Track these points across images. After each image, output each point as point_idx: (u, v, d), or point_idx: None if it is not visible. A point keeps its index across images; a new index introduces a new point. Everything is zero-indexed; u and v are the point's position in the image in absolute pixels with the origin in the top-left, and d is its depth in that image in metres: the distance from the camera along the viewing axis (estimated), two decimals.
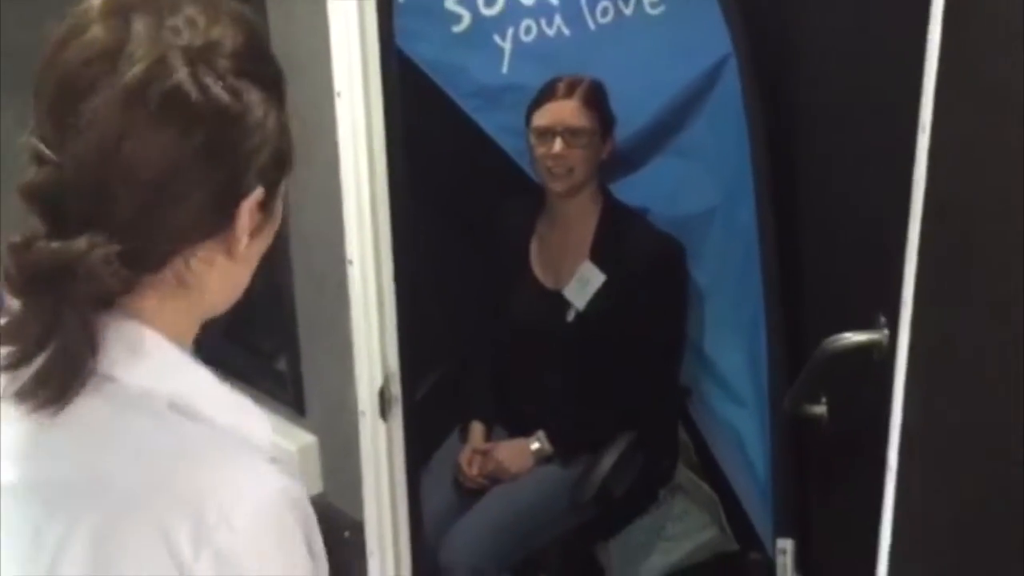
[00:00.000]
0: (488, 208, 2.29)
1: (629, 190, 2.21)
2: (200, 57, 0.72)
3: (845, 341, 1.30)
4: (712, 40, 2.02)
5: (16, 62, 1.70)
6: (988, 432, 1.02)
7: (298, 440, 1.90)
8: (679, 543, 2.29)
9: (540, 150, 2.06)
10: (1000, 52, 0.97)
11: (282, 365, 1.96)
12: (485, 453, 2.14)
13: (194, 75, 0.71)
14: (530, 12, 2.19)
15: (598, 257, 2.10)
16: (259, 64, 0.76)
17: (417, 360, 1.72)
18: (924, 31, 1.08)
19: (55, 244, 0.68)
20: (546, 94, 2.06)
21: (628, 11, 2.15)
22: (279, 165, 0.78)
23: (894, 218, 1.17)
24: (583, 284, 2.10)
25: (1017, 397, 0.95)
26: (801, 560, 1.85)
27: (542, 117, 2.06)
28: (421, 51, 2.16)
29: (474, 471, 2.12)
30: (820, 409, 1.49)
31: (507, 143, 2.27)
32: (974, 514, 1.05)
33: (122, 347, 0.73)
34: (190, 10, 0.74)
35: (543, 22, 2.20)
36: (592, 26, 2.17)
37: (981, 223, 1.02)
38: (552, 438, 2.12)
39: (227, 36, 0.74)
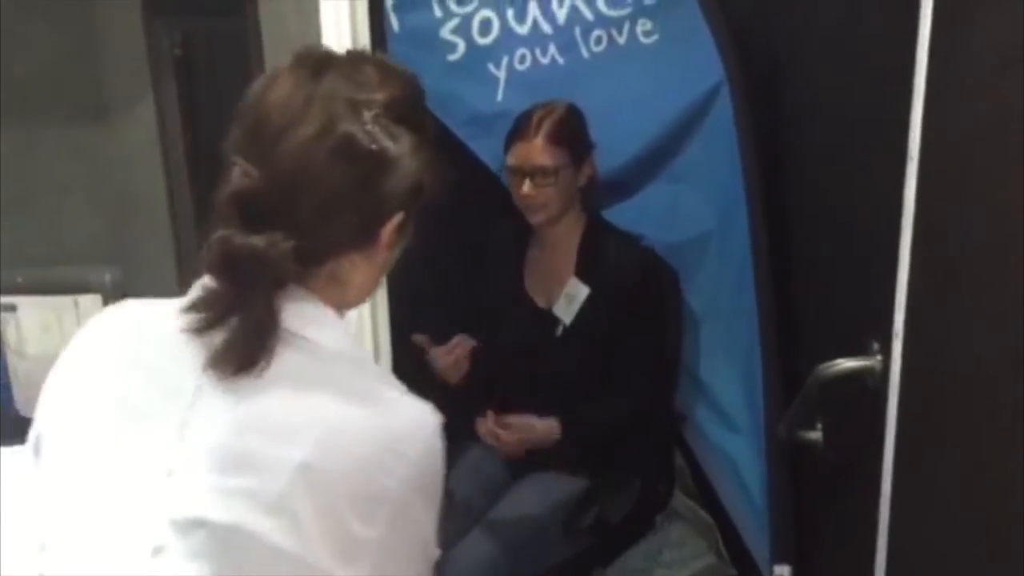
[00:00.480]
0: (484, 232, 2.30)
1: (623, 216, 2.22)
2: (370, 108, 0.93)
3: (838, 367, 1.30)
4: (705, 68, 2.04)
5: (15, 91, 1.72)
6: (982, 457, 1.02)
7: None
8: (676, 570, 2.28)
9: (513, 188, 2.08)
10: (985, 82, 0.98)
11: None
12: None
13: (363, 124, 0.92)
14: (524, 41, 2.21)
15: (582, 272, 2.11)
16: (414, 112, 0.99)
17: (410, 381, 1.70)
18: (914, 60, 1.10)
19: (244, 239, 0.88)
20: (516, 133, 2.07)
21: (622, 40, 2.16)
22: (417, 195, 0.98)
23: (886, 245, 1.18)
24: (570, 300, 2.11)
25: (1010, 422, 0.95)
26: None
27: (511, 157, 2.07)
28: None
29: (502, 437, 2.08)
30: (816, 435, 1.49)
31: (500, 170, 2.27)
32: (968, 539, 1.06)
33: (309, 316, 0.94)
34: (368, 69, 0.96)
35: (537, 51, 2.21)
36: (586, 55, 2.19)
37: (970, 250, 1.03)
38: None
39: (392, 90, 0.96)
